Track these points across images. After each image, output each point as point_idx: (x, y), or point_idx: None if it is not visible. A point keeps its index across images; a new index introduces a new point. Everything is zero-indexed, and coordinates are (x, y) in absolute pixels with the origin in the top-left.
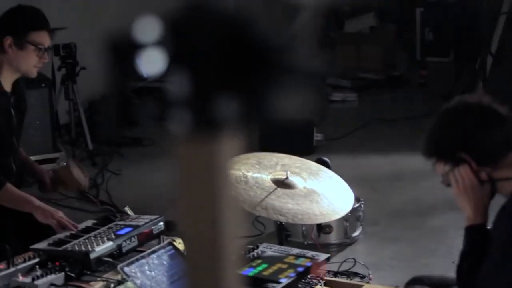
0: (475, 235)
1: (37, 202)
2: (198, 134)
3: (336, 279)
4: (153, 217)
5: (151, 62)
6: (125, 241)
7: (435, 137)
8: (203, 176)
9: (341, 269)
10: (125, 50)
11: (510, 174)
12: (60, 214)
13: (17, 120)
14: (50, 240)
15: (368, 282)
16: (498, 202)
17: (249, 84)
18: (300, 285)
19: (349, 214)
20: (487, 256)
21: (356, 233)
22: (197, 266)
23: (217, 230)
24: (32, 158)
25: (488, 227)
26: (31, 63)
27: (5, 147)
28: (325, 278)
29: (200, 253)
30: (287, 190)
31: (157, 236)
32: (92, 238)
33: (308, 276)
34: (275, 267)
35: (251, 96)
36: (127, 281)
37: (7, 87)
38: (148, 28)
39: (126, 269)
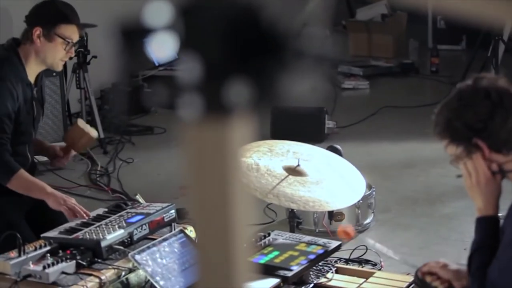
0: (486, 227)
1: (50, 189)
2: (210, 119)
3: (348, 266)
4: (164, 205)
5: (162, 47)
6: (136, 229)
7: (450, 119)
8: (214, 162)
9: (353, 256)
10: (135, 35)
11: None
12: (72, 201)
13: (38, 112)
14: (61, 228)
15: (379, 269)
16: (509, 190)
17: (261, 68)
18: (311, 273)
19: (361, 202)
20: (498, 249)
21: (368, 221)
22: (209, 252)
23: (228, 216)
24: None
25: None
26: (58, 55)
27: (24, 137)
28: (337, 265)
29: (211, 239)
30: (298, 178)
31: (168, 224)
32: (103, 226)
33: (320, 264)
34: (286, 255)
35: (262, 81)
36: (138, 269)
37: (32, 79)
38: (158, 13)
39: (137, 257)
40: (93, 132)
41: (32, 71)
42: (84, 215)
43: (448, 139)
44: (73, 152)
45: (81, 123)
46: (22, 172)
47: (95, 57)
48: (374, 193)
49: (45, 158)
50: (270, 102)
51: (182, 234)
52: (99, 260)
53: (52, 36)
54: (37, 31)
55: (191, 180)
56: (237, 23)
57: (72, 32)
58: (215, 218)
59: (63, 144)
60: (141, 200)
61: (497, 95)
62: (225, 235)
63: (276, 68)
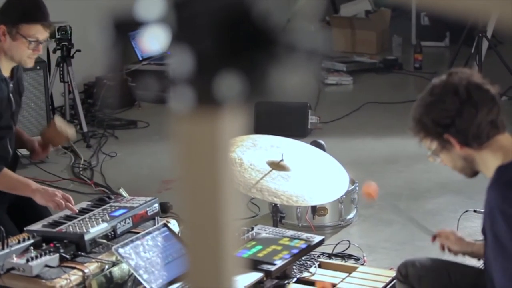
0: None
1: (35, 185)
2: (200, 112)
3: (331, 261)
4: (147, 198)
5: (153, 39)
6: (119, 222)
7: (421, 115)
8: (204, 154)
9: (336, 251)
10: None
11: (490, 158)
12: (59, 195)
13: (16, 104)
14: (45, 221)
15: (362, 264)
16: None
17: (252, 62)
18: (294, 267)
19: (344, 197)
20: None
21: (351, 216)
22: (198, 246)
23: (218, 209)
24: None
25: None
26: (24, 54)
27: (4, 131)
28: (320, 260)
29: (200, 232)
30: (282, 172)
31: (152, 217)
32: (87, 219)
33: (303, 258)
34: (269, 249)
35: (253, 74)
36: (121, 262)
37: (6, 73)
38: (150, 5)
39: (120, 250)
40: (70, 132)
41: (5, 66)
42: (74, 208)
43: (421, 134)
44: (51, 148)
45: (58, 121)
46: (6, 172)
47: (79, 50)
48: (357, 188)
49: (25, 151)
50: (260, 95)
51: (165, 228)
52: (82, 254)
53: (15, 35)
54: (1, 29)
55: (181, 173)
56: (229, 16)
57: (36, 31)
58: (205, 210)
59: (39, 138)
60: (124, 194)
61: (465, 92)
62: (214, 228)
63: (267, 62)
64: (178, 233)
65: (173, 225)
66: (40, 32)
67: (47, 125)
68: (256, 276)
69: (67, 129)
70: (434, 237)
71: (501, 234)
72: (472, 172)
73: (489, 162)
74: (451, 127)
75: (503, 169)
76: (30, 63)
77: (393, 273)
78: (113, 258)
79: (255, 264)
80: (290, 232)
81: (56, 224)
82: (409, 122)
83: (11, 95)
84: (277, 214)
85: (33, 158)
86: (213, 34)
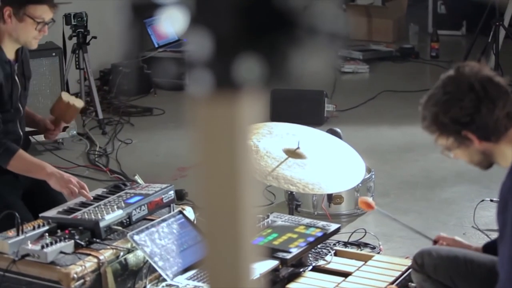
0: None
1: (50, 169)
2: (219, 96)
3: (347, 249)
4: (163, 185)
5: (171, 23)
6: (135, 209)
7: (437, 114)
8: (223, 138)
9: (351, 239)
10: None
11: (507, 150)
12: (74, 181)
13: (22, 87)
14: (60, 208)
15: (378, 253)
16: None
17: (271, 45)
18: (310, 255)
19: (360, 185)
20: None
21: None
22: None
23: (237, 194)
24: None
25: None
26: (30, 35)
27: (11, 114)
28: (336, 248)
29: (218, 218)
30: (298, 160)
31: (167, 205)
32: (102, 206)
33: (319, 246)
34: (285, 237)
35: (274, 57)
36: (136, 249)
37: (10, 55)
38: None
39: (135, 237)
40: (78, 103)
41: (9, 48)
42: (89, 195)
43: (437, 133)
44: (63, 124)
45: (65, 96)
46: (21, 153)
47: (94, 37)
48: (373, 176)
49: (42, 137)
50: (280, 79)
51: (180, 215)
52: (97, 240)
53: (22, 16)
54: (7, 11)
55: (199, 157)
56: None
57: (42, 12)
58: (223, 195)
59: (51, 117)
60: (140, 180)
61: (481, 87)
62: (232, 214)
63: (287, 45)
64: (194, 220)
65: (189, 212)
66: (46, 13)
67: (53, 102)
68: (271, 264)
69: (74, 102)
70: (435, 242)
71: (509, 221)
72: (489, 164)
73: (508, 153)
74: (470, 124)
75: None
76: (35, 45)
77: (409, 262)
78: (128, 245)
79: (270, 252)
80: (306, 220)
81: (71, 210)
82: (422, 121)
83: (16, 77)
84: (293, 202)
85: (46, 137)
86: (232, 17)
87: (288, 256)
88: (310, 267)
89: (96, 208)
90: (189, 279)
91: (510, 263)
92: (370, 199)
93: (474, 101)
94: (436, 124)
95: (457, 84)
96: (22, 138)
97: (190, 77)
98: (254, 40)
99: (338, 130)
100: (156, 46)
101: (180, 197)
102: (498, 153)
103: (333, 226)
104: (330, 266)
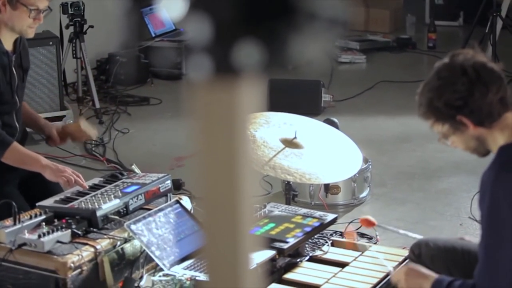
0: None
1: (45, 161)
2: (219, 81)
3: (343, 239)
4: (160, 175)
5: (172, 8)
6: (132, 199)
7: (432, 99)
8: (222, 123)
9: (348, 230)
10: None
11: (499, 136)
12: (69, 171)
13: (19, 79)
14: (57, 197)
15: (375, 243)
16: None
17: (270, 30)
18: (307, 245)
19: (357, 175)
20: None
21: (364, 194)
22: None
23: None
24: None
25: None
26: (24, 23)
27: (7, 106)
28: (332, 238)
29: (216, 206)
30: (295, 150)
31: (164, 194)
32: (99, 195)
33: (316, 236)
34: (282, 227)
35: (273, 43)
36: (133, 239)
37: (8, 46)
38: None
39: (132, 226)
40: (93, 133)
41: (6, 39)
42: (84, 184)
43: (433, 119)
44: (69, 140)
45: (83, 123)
46: (16, 145)
47: (91, 26)
48: (370, 167)
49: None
50: (279, 65)
51: (177, 205)
52: (94, 230)
53: (16, 4)
54: None
55: (199, 143)
56: None
57: (36, 0)
58: (221, 182)
59: (58, 124)
60: (137, 170)
61: (473, 71)
62: (231, 202)
63: (287, 31)
64: (191, 210)
65: (186, 202)
66: (40, 1)
67: (70, 122)
68: (268, 253)
69: (90, 131)
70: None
71: (484, 213)
72: (485, 151)
73: (499, 140)
74: (464, 108)
75: (504, 149)
76: (31, 33)
77: (406, 252)
78: (125, 235)
79: (267, 242)
80: (303, 210)
81: (68, 200)
82: (418, 108)
83: (13, 68)
84: (290, 192)
85: (49, 144)
86: (231, 2)
87: (285, 246)
88: (307, 257)
89: (93, 198)
90: (186, 269)
91: (483, 256)
92: (370, 217)
93: (466, 85)
94: (431, 110)
95: (451, 69)
96: (18, 131)
97: (189, 63)
98: (254, 25)
99: (335, 120)
100: (153, 35)
101: (177, 187)
102: (491, 140)
103: (330, 216)
104: (327, 256)
